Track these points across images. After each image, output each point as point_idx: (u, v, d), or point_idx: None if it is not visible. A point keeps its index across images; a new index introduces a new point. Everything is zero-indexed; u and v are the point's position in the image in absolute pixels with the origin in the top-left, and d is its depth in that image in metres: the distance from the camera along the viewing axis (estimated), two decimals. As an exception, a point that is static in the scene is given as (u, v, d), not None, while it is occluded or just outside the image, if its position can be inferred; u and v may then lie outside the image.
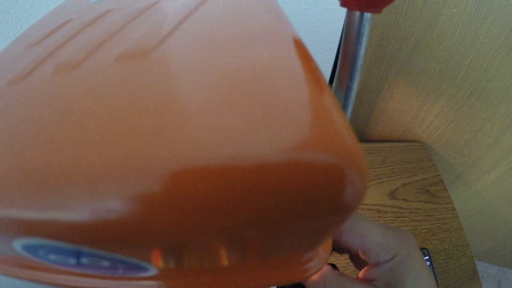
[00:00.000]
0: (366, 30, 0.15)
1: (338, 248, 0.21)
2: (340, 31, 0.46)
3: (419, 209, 0.53)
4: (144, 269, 0.09)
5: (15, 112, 0.09)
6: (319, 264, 0.13)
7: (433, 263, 0.49)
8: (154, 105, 0.07)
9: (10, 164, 0.07)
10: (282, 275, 0.12)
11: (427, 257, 0.49)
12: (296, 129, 0.07)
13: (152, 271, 0.10)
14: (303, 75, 0.08)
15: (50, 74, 0.09)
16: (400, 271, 0.20)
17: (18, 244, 0.08)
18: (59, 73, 0.09)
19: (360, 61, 0.16)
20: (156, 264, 0.09)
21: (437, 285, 0.47)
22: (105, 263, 0.09)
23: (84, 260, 0.08)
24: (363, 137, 0.67)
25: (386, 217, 0.51)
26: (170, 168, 0.06)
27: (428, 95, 0.57)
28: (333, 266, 0.24)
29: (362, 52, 0.16)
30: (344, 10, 0.15)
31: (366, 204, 0.51)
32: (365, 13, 0.14)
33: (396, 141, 0.63)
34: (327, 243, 0.15)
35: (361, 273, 0.23)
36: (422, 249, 0.49)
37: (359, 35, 0.15)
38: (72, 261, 0.09)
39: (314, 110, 0.08)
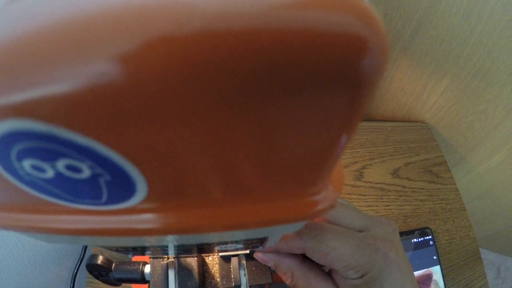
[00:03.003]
0: None
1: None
2: None
3: (422, 188, 0.52)
4: (130, 184, 0.08)
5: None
6: (328, 199, 0.11)
7: (436, 243, 0.48)
8: None
9: None
10: (285, 208, 0.10)
11: (430, 237, 0.48)
12: None
13: (141, 190, 0.09)
14: None
15: None
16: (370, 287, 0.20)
17: None
18: None
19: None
20: (142, 168, 0.08)
21: (441, 266, 0.47)
22: (86, 172, 0.08)
23: (60, 167, 0.08)
24: (366, 117, 0.66)
25: (389, 195, 0.50)
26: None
27: (432, 75, 0.57)
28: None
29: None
30: None
31: (369, 182, 0.51)
32: None
33: (400, 121, 0.63)
34: (339, 180, 0.13)
35: (331, 271, 0.22)
36: (425, 228, 0.49)
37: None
38: (50, 172, 0.08)
39: None
